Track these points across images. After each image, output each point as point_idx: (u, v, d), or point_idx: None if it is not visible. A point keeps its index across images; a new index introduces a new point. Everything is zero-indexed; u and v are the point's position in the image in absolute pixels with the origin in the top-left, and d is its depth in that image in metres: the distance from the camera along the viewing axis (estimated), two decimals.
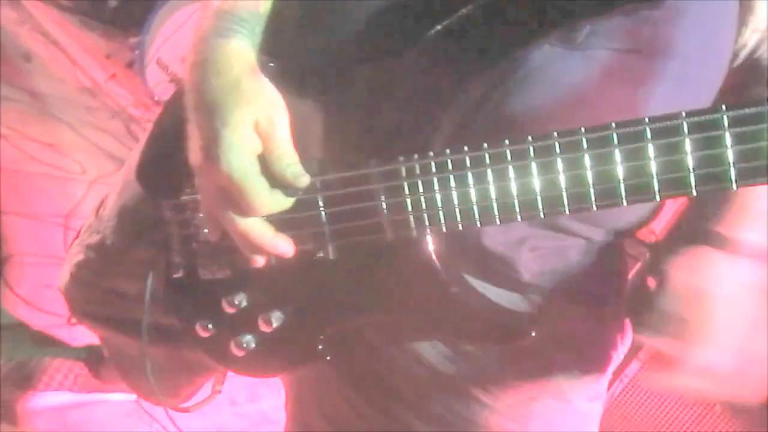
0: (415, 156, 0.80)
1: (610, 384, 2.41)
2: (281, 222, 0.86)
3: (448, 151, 0.79)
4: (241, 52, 0.84)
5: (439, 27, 0.80)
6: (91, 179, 2.77)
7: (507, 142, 0.76)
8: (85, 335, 1.98)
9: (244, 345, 0.93)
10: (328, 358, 0.93)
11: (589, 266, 0.94)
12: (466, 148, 0.78)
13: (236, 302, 0.93)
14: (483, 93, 0.80)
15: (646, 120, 0.71)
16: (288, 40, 0.91)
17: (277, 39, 0.90)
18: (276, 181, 0.83)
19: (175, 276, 0.98)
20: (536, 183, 0.75)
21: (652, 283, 2.86)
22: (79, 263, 1.23)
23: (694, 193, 0.69)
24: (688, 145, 0.69)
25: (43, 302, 2.06)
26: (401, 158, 0.80)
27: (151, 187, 1.01)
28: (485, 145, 0.77)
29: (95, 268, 1.20)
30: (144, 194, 1.02)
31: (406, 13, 0.84)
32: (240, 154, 0.80)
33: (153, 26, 3.37)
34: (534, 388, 0.95)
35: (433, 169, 0.79)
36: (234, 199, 0.82)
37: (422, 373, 0.94)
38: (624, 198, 0.73)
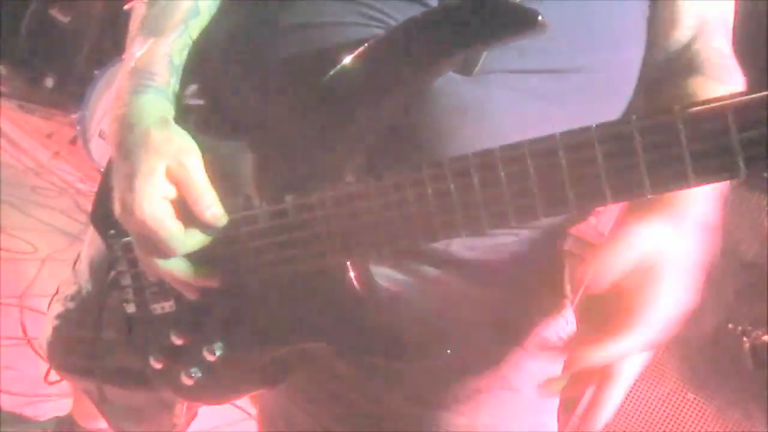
0: (327, 188, 0.83)
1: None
2: (213, 257, 0.90)
3: (352, 181, 0.83)
4: (151, 106, 0.90)
5: (346, 59, 0.85)
6: (44, 257, 2.76)
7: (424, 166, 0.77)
8: (51, 409, 1.98)
9: (192, 374, 0.96)
10: (273, 385, 0.96)
11: (522, 259, 0.98)
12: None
13: (183, 334, 0.96)
14: (390, 122, 0.85)
15: (558, 135, 0.72)
16: (213, 79, 0.97)
17: (204, 78, 0.96)
18: (196, 222, 0.87)
19: (129, 311, 1.02)
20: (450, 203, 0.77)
21: None
22: (59, 315, 1.28)
23: (611, 202, 0.70)
24: (600, 156, 0.70)
25: (5, 383, 2.04)
26: (314, 192, 0.84)
27: (101, 229, 1.06)
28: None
29: (74, 318, 1.24)
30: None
31: (316, 48, 0.89)
32: (151, 201, 0.85)
33: (92, 100, 3.41)
34: (479, 379, 0.97)
35: (345, 199, 0.82)
36: (153, 244, 0.87)
37: (372, 382, 0.97)
38: (539, 212, 0.73)
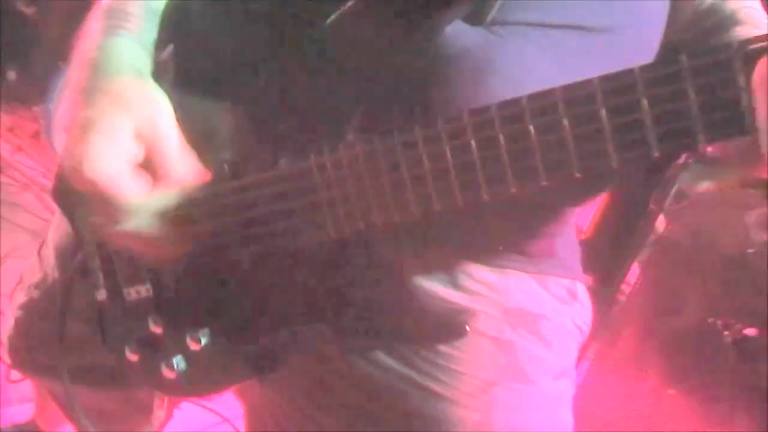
0: (326, 150, 0.75)
1: (578, 361, 2.42)
2: (195, 232, 0.82)
3: (354, 141, 0.74)
4: (127, 53, 0.81)
5: (341, 11, 0.77)
6: (4, 254, 2.66)
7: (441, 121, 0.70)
8: (9, 415, 1.88)
9: (174, 366, 0.88)
10: (264, 375, 0.88)
11: (538, 244, 0.93)
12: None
13: (162, 321, 0.88)
14: (395, 75, 0.78)
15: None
16: (194, 36, 0.89)
17: (183, 34, 0.88)
18: (168, 185, 0.79)
19: (99, 298, 0.94)
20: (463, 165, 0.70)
21: (589, 280, 2.87)
22: (22, 305, 1.19)
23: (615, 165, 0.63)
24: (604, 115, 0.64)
25: None
26: (312, 155, 0.76)
27: (63, 205, 0.97)
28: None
29: (39, 309, 1.15)
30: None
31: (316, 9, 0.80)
32: (105, 159, 0.76)
33: (57, 93, 3.30)
34: (492, 372, 0.91)
35: (348, 161, 0.75)
36: (104, 206, 0.78)
37: (372, 375, 0.90)
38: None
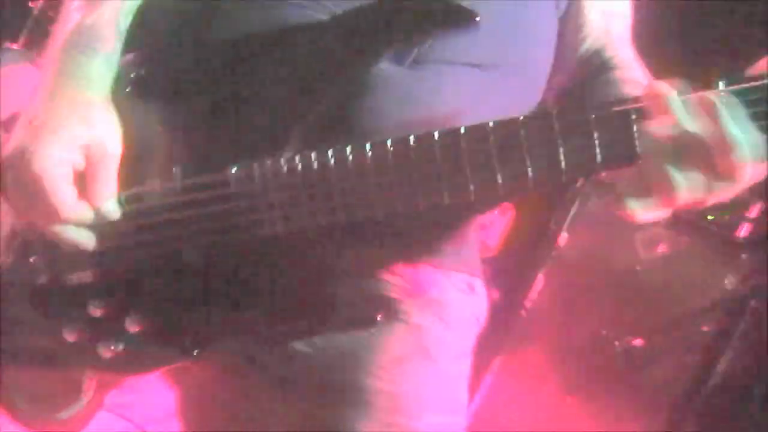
0: (268, 161, 0.88)
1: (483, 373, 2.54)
2: (144, 224, 0.91)
3: (297, 156, 0.87)
4: (97, 74, 0.91)
5: (289, 43, 0.91)
6: None
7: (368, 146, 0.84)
8: None
9: (112, 347, 0.95)
10: (195, 354, 0.97)
11: (440, 238, 1.06)
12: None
13: (103, 304, 0.95)
14: (330, 105, 0.90)
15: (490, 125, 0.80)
16: (156, 47, 0.98)
17: (146, 45, 0.97)
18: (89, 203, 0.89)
19: (40, 282, 0.99)
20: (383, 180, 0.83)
21: (495, 294, 3.03)
22: None
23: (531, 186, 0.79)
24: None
25: None
26: (256, 164, 0.88)
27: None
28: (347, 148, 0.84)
29: None
30: None
31: (262, 26, 0.94)
32: (55, 160, 0.85)
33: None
34: (402, 349, 1.02)
35: (285, 171, 0.87)
36: (39, 204, 0.87)
37: (298, 351, 1.00)
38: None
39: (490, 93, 0.98)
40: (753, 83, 0.74)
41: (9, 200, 0.92)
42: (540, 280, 2.70)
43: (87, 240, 0.91)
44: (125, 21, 0.96)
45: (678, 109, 0.73)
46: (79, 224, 0.90)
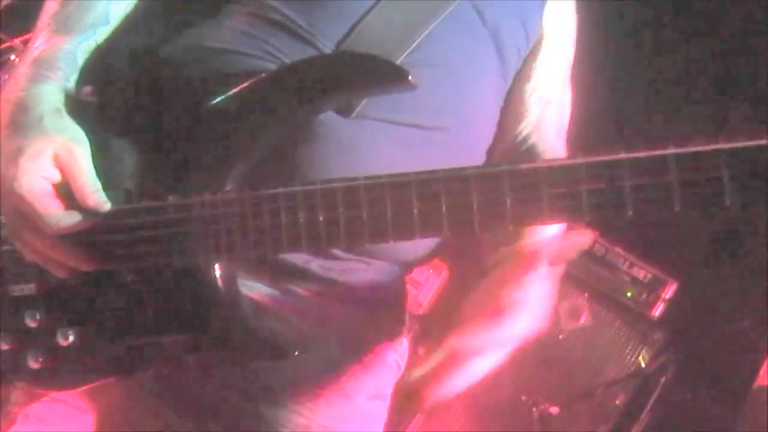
0: (207, 193, 0.93)
1: None
2: (88, 243, 0.95)
3: (235, 191, 0.93)
4: (49, 95, 0.96)
5: (237, 88, 0.97)
6: None
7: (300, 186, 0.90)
8: None
9: (41, 358, 0.98)
10: (120, 373, 1.00)
11: (370, 284, 1.11)
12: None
13: (38, 317, 0.98)
14: (272, 148, 0.97)
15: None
16: (110, 81, 1.04)
17: (101, 79, 1.02)
18: (77, 206, 0.93)
19: None
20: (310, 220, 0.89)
21: (421, 351, 3.08)
22: None
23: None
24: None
25: None
26: (195, 194, 0.94)
27: None
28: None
29: None
30: None
31: (213, 70, 1.01)
32: (32, 178, 0.91)
33: None
34: (318, 384, 1.07)
35: (221, 204, 0.92)
36: (28, 220, 0.91)
37: (219, 378, 1.04)
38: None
39: (429, 154, 1.05)
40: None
41: (8, 227, 0.96)
42: None
43: (82, 254, 0.94)
44: (82, 56, 1.01)
45: None
46: (71, 234, 0.93)
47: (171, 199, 0.94)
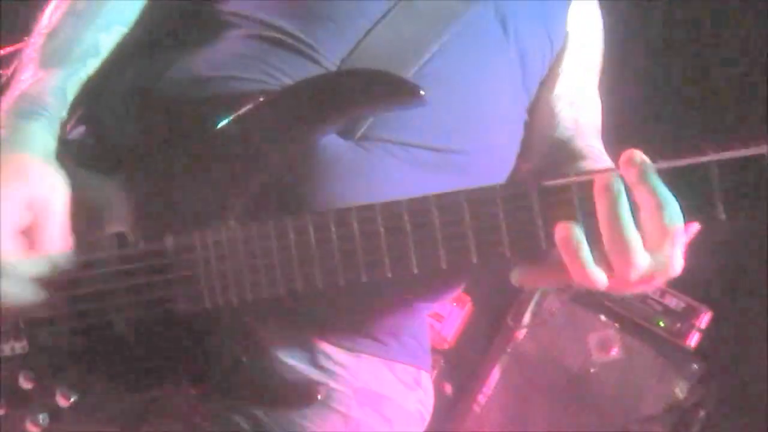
0: (209, 231, 0.87)
1: None
2: (78, 293, 0.90)
3: (239, 227, 0.87)
4: (36, 134, 0.91)
5: (234, 115, 0.91)
6: None
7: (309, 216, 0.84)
8: None
9: (40, 421, 0.92)
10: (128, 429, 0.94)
11: (391, 327, 1.06)
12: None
13: (33, 377, 0.93)
14: (273, 175, 0.91)
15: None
16: (102, 116, 1.00)
17: (93, 114, 0.98)
18: (42, 253, 0.87)
19: None
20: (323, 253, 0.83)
21: (447, 387, 3.00)
22: None
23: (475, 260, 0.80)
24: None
25: None
26: (196, 233, 0.88)
27: None
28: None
29: None
30: None
31: (212, 98, 0.95)
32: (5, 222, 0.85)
33: None
34: None
35: (227, 242, 0.87)
36: None
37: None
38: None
39: (445, 178, 0.98)
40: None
41: None
42: (495, 375, 2.69)
43: (30, 294, 0.88)
44: (72, 91, 0.97)
45: (653, 178, 0.75)
46: (23, 279, 0.87)
47: (169, 239, 0.88)
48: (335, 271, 0.84)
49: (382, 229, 0.82)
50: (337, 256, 0.83)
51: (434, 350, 2.35)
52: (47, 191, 0.88)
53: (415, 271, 0.82)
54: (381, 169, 0.95)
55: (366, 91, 0.89)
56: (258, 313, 0.92)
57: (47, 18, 1.01)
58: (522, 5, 1.08)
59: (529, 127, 1.12)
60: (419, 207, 0.82)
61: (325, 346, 1.01)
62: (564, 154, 1.10)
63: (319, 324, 1.00)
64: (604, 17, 1.22)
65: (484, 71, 1.04)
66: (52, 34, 0.99)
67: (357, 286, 0.85)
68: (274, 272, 0.85)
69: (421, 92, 0.86)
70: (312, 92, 0.90)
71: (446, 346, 2.83)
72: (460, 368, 2.83)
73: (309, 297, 0.87)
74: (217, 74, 0.96)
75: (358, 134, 0.94)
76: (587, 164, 1.06)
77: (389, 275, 0.82)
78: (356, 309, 1.00)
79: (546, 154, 1.11)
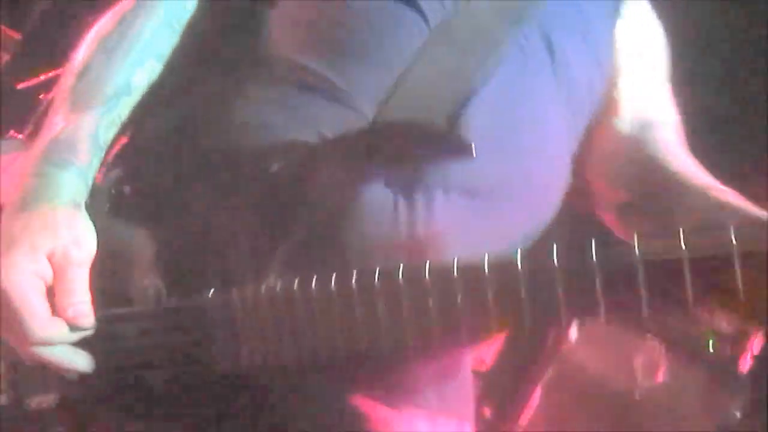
0: (249, 287, 0.83)
1: None
2: (111, 347, 0.87)
3: (279, 282, 0.83)
4: (66, 185, 0.88)
5: (276, 166, 0.88)
6: None
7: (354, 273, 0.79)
8: None
9: None
10: None
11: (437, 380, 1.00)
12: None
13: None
14: (316, 227, 0.87)
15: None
16: (139, 166, 0.97)
17: (129, 163, 0.96)
18: (60, 315, 0.84)
19: (1, 403, 0.94)
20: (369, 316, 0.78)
21: (486, 412, 2.93)
22: None
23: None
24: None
25: None
26: (235, 289, 0.84)
27: None
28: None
29: None
30: None
31: (249, 148, 0.92)
32: (22, 275, 0.82)
33: None
34: None
35: (266, 300, 0.82)
36: (12, 320, 0.83)
37: None
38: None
39: (484, 220, 0.94)
40: None
41: None
42: (536, 397, 2.63)
43: (70, 360, 0.86)
44: (105, 135, 0.94)
45: None
46: (56, 342, 0.85)
47: (208, 295, 0.85)
48: (380, 336, 0.79)
49: (431, 291, 0.76)
50: (383, 319, 0.78)
51: (472, 372, 2.30)
52: (69, 243, 0.85)
53: (467, 340, 0.77)
54: (423, 218, 0.90)
55: (414, 143, 0.86)
56: (297, 371, 0.88)
57: (78, 55, 0.99)
58: (567, 29, 1.02)
59: (600, 156, 1.06)
60: (471, 267, 0.75)
61: (364, 402, 0.96)
62: (656, 178, 1.01)
63: (358, 379, 0.95)
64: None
65: (532, 105, 0.98)
66: (82, 73, 0.97)
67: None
68: (314, 332, 0.81)
69: (472, 150, 0.83)
70: (357, 142, 0.87)
71: (484, 368, 2.76)
72: (499, 391, 2.77)
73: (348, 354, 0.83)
74: (252, 122, 0.93)
75: (402, 183, 0.90)
76: (692, 201, 0.95)
77: (439, 344, 0.79)
78: (396, 365, 0.95)
79: (635, 180, 1.03)
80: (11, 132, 2.14)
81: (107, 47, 0.98)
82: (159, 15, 0.99)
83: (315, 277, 0.81)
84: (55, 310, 0.84)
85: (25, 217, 0.85)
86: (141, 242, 0.90)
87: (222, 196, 0.90)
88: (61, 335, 0.85)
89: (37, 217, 0.85)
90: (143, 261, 0.89)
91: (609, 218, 1.06)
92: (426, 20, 0.94)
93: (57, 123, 0.93)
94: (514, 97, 0.97)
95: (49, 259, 0.84)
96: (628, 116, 1.07)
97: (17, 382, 0.94)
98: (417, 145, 0.87)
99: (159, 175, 0.96)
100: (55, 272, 0.85)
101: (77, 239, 0.86)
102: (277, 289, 0.82)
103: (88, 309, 0.85)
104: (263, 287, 0.83)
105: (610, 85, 1.08)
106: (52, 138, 0.91)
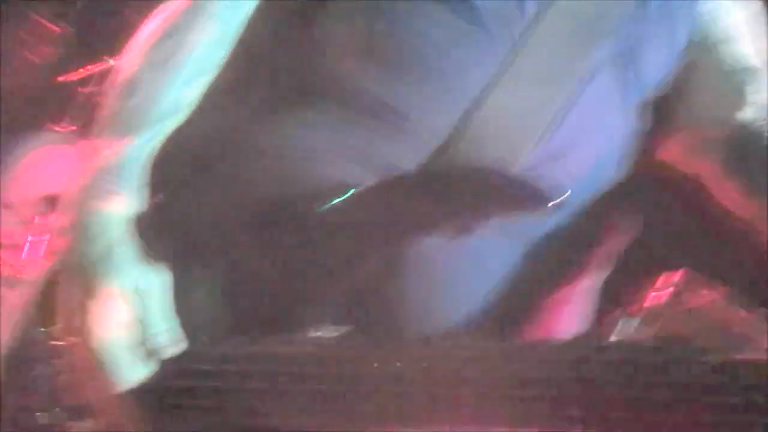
0: (294, 337, 0.80)
1: None
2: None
3: (320, 334, 0.80)
4: (116, 216, 0.85)
5: (326, 205, 0.85)
6: None
7: None
8: None
9: None
10: None
11: None
12: None
13: None
14: (363, 280, 0.84)
15: None
16: (173, 202, 0.94)
17: (175, 194, 0.93)
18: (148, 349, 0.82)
19: (41, 422, 0.91)
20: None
21: None
22: None
23: None
24: None
25: None
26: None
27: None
28: None
29: None
30: None
31: (296, 182, 0.89)
32: (106, 329, 0.80)
33: None
34: None
35: (304, 358, 0.78)
36: (101, 372, 0.81)
37: None
38: None
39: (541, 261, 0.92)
40: None
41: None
42: None
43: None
44: (151, 158, 0.90)
45: None
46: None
47: (247, 342, 0.81)
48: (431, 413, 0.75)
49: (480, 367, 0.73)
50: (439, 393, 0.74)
51: None
52: (140, 279, 0.83)
53: None
54: (472, 267, 0.88)
55: (486, 199, 0.81)
56: None
57: (125, 66, 0.94)
58: (651, 36, 0.94)
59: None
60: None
61: None
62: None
63: None
64: None
65: (610, 136, 0.93)
66: (128, 93, 0.92)
67: None
68: (352, 407, 0.77)
69: (549, 204, 0.78)
70: (415, 191, 0.82)
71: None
72: None
73: None
74: (303, 154, 0.89)
75: (461, 235, 0.86)
76: None
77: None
78: None
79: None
80: (49, 125, 2.15)
81: (157, 63, 0.92)
82: (213, 31, 0.93)
83: (372, 336, 0.77)
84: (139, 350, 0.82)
85: (84, 266, 0.82)
86: (183, 284, 0.86)
87: (261, 243, 0.87)
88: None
89: (96, 262, 0.82)
90: (192, 301, 0.86)
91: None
92: (492, 38, 0.87)
93: (101, 148, 0.89)
94: (591, 127, 0.91)
95: (125, 299, 0.82)
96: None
97: (56, 403, 0.91)
98: (486, 195, 0.82)
99: (206, 205, 0.93)
100: (134, 310, 0.82)
101: (144, 269, 0.83)
102: (332, 341, 0.78)
103: (179, 336, 0.83)
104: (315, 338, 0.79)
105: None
106: (98, 167, 0.88)
